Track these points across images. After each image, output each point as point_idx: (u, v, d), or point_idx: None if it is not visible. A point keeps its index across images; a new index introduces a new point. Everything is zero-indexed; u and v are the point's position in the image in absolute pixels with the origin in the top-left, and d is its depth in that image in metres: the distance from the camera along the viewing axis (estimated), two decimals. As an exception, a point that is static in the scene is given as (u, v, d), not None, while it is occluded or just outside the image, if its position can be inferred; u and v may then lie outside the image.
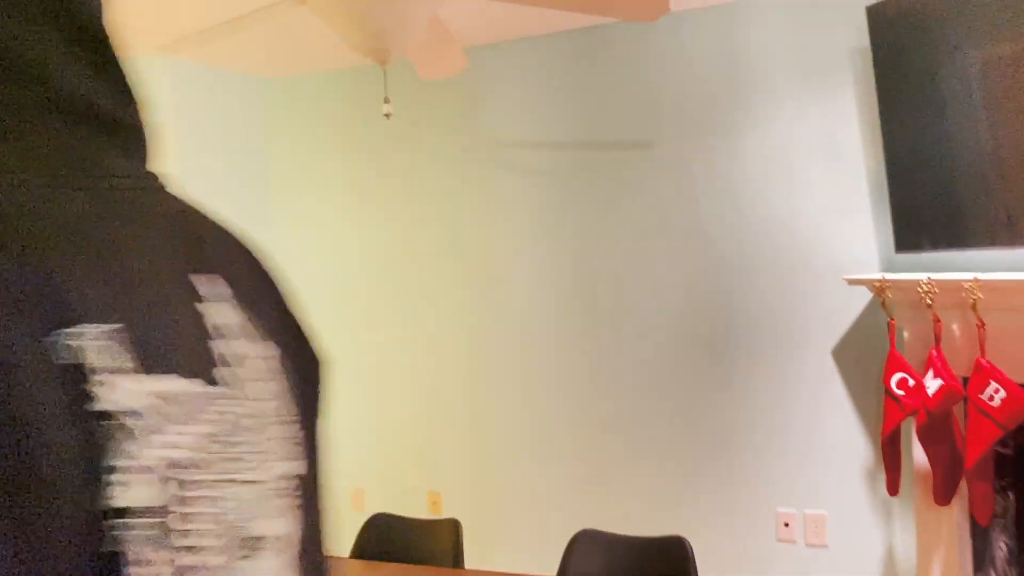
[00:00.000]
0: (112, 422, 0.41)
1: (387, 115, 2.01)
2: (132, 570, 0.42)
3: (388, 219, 4.13)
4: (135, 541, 0.42)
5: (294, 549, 0.52)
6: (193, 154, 3.93)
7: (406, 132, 4.07)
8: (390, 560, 2.37)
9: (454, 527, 2.41)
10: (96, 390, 0.41)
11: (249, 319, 0.53)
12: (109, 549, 0.41)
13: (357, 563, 2.38)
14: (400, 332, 4.13)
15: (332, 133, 4.24)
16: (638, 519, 3.62)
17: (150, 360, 0.44)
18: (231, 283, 0.52)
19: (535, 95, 3.80)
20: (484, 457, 3.96)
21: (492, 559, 3.82)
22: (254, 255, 0.58)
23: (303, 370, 0.58)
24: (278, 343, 0.55)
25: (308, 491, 0.55)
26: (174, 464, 0.44)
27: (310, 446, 0.57)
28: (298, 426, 0.54)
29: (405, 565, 2.29)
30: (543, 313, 3.84)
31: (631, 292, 3.67)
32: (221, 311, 0.51)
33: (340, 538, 4.04)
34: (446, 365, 4.03)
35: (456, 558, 2.36)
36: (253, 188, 4.28)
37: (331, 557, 0.61)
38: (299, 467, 0.54)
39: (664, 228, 3.58)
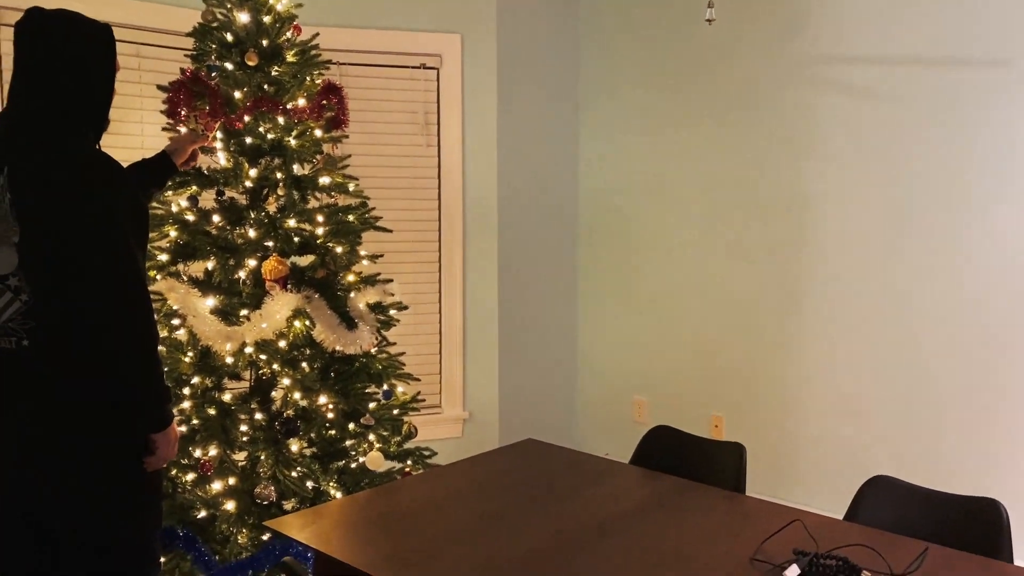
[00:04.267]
0: None
1: (709, 20, 1.92)
2: None
3: (696, 134, 4.03)
4: None
5: (14, 262, 1.82)
6: (511, 59, 4.09)
7: (727, 44, 3.89)
8: (668, 472, 2.40)
9: (738, 451, 2.37)
10: None
11: (9, 185, 1.82)
12: None
13: (637, 469, 2.43)
14: (697, 250, 4.07)
15: (645, 42, 4.18)
16: (945, 474, 3.32)
17: None
18: (12, 178, 1.82)
19: (878, 4, 3.43)
20: (774, 387, 3.84)
21: (773, 491, 3.73)
22: (51, 174, 1.83)
23: (32, 212, 1.82)
24: (15, 196, 1.81)
25: (25, 248, 1.81)
26: None
27: (28, 234, 1.80)
28: (15, 223, 1.80)
29: (685, 480, 2.31)
30: (854, 243, 3.56)
31: (975, 235, 3.27)
32: (3, 180, 1.82)
33: (623, 443, 4.18)
34: (745, 288, 3.91)
35: (737, 482, 2.33)
36: (562, 96, 4.38)
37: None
38: (13, 236, 1.81)
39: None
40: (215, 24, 2.81)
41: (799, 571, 1.69)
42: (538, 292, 4.35)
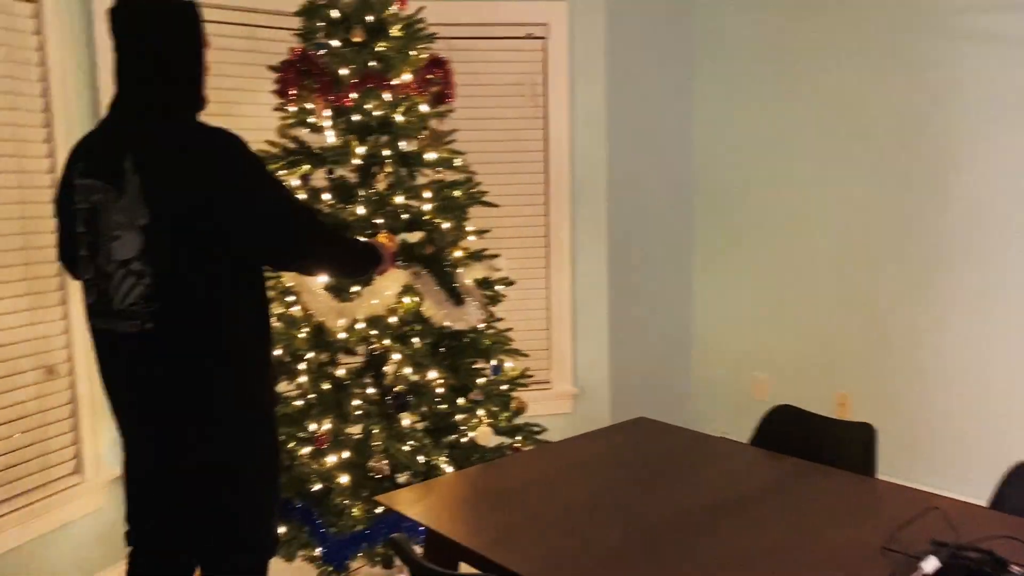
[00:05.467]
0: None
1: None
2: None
3: (821, 97, 3.80)
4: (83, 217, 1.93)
5: (139, 245, 1.85)
6: (621, 25, 3.96)
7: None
8: (792, 454, 2.27)
9: (868, 432, 2.22)
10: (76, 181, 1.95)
11: (136, 169, 1.84)
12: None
13: (756, 450, 2.32)
14: (822, 220, 3.85)
15: (763, 1, 3.96)
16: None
17: (89, 172, 1.91)
18: (138, 161, 1.84)
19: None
20: (905, 363, 3.60)
21: (906, 475, 3.51)
22: (177, 151, 1.87)
23: (162, 191, 1.84)
24: (143, 179, 1.83)
25: (152, 229, 1.83)
26: (94, 204, 1.89)
27: (156, 214, 1.82)
28: (144, 206, 1.83)
29: (809, 462, 2.18)
30: (995, 213, 3.28)
31: None
32: (129, 165, 1.84)
33: (741, 422, 4.03)
34: (875, 259, 3.68)
35: (867, 465, 2.18)
36: (675, 62, 4.22)
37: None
38: (140, 220, 1.83)
39: None
40: (322, 2, 2.82)
41: (938, 564, 1.55)
42: (651, 264, 4.23)
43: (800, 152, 3.88)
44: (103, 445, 3.05)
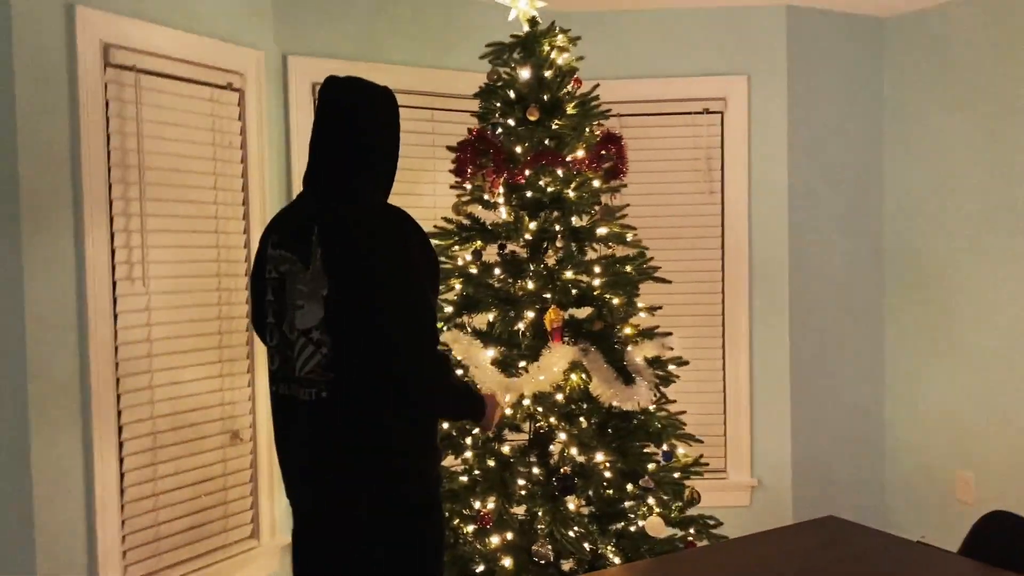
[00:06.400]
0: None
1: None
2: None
3: (1030, 166, 3.44)
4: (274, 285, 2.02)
5: (319, 315, 1.89)
6: (803, 96, 3.81)
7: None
8: (1011, 569, 1.97)
9: (1112, 551, 1.89)
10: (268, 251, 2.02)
11: (320, 242, 1.90)
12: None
13: (968, 562, 2.03)
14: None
15: (962, 61, 3.68)
16: None
17: (280, 244, 1.99)
18: (323, 235, 1.90)
19: None
20: None
21: None
22: (357, 227, 1.92)
23: (339, 265, 1.88)
24: (325, 252, 1.89)
25: (331, 300, 1.87)
26: (282, 274, 1.96)
27: (335, 286, 1.87)
28: (325, 277, 1.87)
29: (1037, 582, 1.87)
30: None
31: None
32: (315, 238, 1.90)
33: (942, 525, 3.60)
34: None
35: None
36: (863, 130, 3.99)
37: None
38: (322, 290, 1.88)
39: None
40: (499, 83, 2.89)
41: None
42: (837, 346, 3.94)
43: (1009, 214, 3.51)
44: (279, 510, 3.14)
